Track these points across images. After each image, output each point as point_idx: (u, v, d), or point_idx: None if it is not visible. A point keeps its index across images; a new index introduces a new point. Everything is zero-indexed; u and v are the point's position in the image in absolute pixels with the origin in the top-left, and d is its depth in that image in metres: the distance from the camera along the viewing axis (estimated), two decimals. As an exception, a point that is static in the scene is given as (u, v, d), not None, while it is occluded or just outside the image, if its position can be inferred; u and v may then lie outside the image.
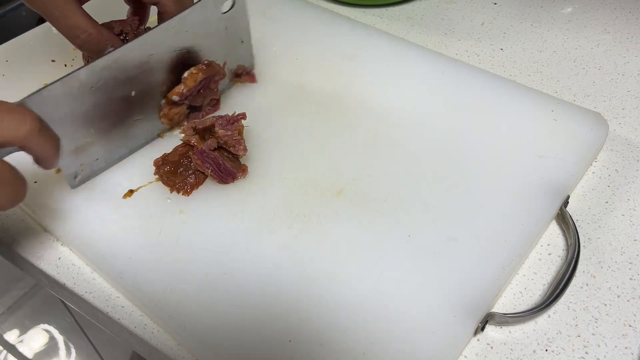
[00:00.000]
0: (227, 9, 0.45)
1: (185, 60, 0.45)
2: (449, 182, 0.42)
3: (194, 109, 0.47)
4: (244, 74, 0.51)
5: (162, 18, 0.43)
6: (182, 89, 0.44)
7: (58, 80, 0.36)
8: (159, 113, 0.45)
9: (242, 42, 0.49)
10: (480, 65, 0.55)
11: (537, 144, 0.44)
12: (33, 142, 0.31)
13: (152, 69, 0.42)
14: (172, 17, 0.42)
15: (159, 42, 0.42)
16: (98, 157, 0.43)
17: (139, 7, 0.46)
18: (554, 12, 0.62)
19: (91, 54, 0.41)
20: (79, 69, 0.37)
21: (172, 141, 0.45)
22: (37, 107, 0.34)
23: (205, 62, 0.45)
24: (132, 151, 0.45)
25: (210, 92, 0.47)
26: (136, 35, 0.42)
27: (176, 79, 0.44)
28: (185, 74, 0.44)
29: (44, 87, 0.36)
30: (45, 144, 0.32)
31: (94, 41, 0.40)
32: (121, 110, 0.42)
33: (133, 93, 0.42)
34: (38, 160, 0.33)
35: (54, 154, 0.33)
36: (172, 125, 0.47)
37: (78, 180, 0.42)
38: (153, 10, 0.45)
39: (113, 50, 0.39)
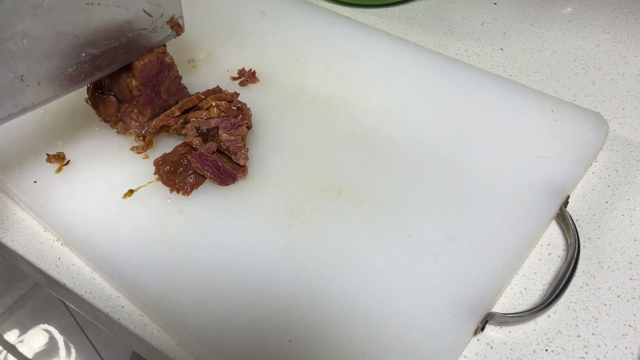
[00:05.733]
0: None
1: (95, 17, 0.37)
2: (448, 182, 0.42)
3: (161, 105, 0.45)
4: (247, 75, 0.51)
5: None
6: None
7: None
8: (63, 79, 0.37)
9: None
10: (480, 65, 0.55)
11: (537, 144, 0.44)
12: None
13: (52, 14, 0.34)
14: None
15: None
16: None
17: None
18: (554, 12, 0.62)
19: None
20: None
21: (172, 141, 0.45)
22: None
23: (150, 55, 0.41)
24: (20, 113, 0.36)
25: (167, 81, 0.44)
26: None
27: (88, 43, 0.37)
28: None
29: None
30: None
31: None
32: (4, 57, 0.34)
33: (24, 41, 0.34)
34: None
35: None
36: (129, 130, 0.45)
37: None
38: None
39: None
